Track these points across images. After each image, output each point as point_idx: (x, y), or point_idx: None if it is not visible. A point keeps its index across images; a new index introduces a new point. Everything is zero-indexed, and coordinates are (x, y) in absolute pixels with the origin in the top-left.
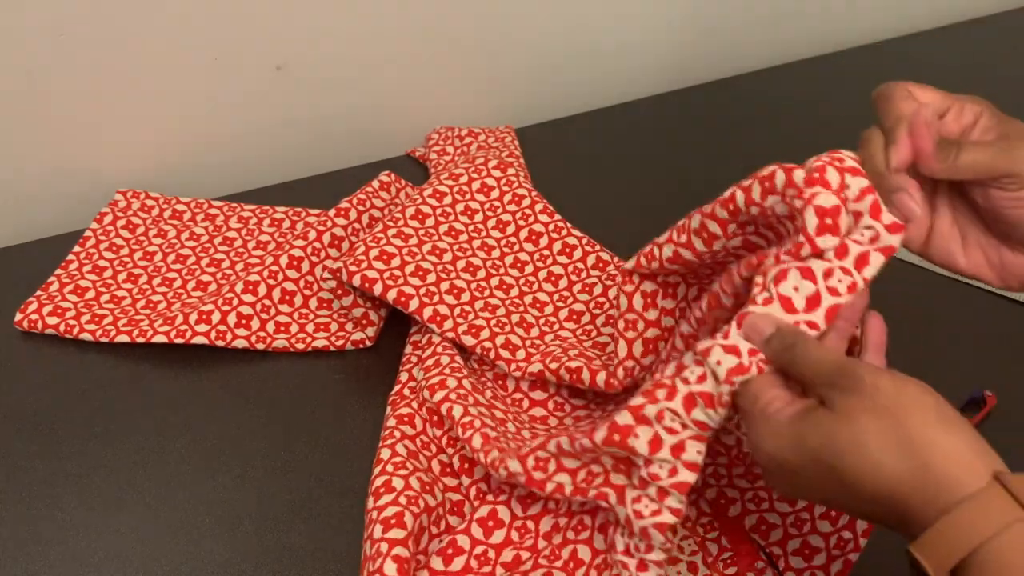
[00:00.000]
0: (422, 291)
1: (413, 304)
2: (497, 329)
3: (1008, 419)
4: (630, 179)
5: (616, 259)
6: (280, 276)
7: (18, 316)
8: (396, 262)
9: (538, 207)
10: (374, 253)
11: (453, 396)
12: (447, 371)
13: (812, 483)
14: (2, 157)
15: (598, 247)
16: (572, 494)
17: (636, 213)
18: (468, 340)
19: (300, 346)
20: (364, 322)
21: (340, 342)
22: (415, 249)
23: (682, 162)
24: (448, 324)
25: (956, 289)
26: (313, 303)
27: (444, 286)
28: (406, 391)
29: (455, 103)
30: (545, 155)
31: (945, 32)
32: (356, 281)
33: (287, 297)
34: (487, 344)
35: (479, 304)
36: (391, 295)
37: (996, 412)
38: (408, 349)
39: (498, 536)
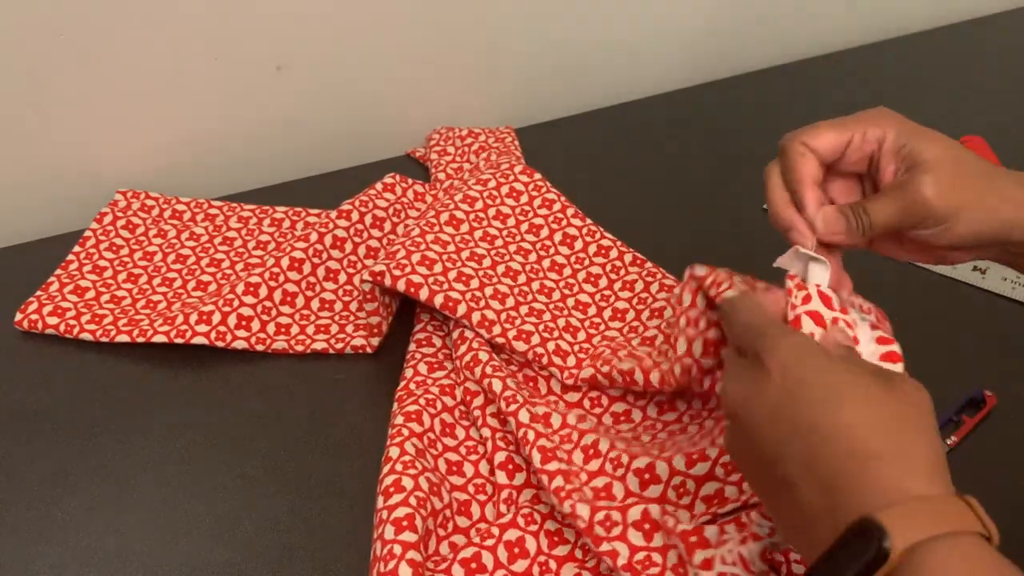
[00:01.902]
0: (467, 296)
1: (461, 309)
2: (546, 335)
3: (1008, 419)
4: (630, 179)
5: (650, 264)
6: (281, 278)
7: (18, 316)
8: (439, 267)
9: (569, 211)
10: (416, 258)
11: (489, 370)
12: (480, 354)
13: (776, 440)
14: (2, 157)
15: (632, 250)
16: (623, 567)
17: (636, 213)
18: (519, 346)
19: (299, 348)
20: (376, 331)
21: (340, 345)
22: (454, 256)
23: (683, 162)
24: (497, 329)
25: (956, 289)
26: (315, 304)
27: (488, 291)
28: (412, 386)
29: (455, 103)
30: (545, 155)
31: (945, 32)
32: (401, 285)
33: (288, 298)
34: (539, 350)
35: (524, 309)
36: (438, 300)
37: (996, 412)
38: (412, 347)
39: (521, 565)
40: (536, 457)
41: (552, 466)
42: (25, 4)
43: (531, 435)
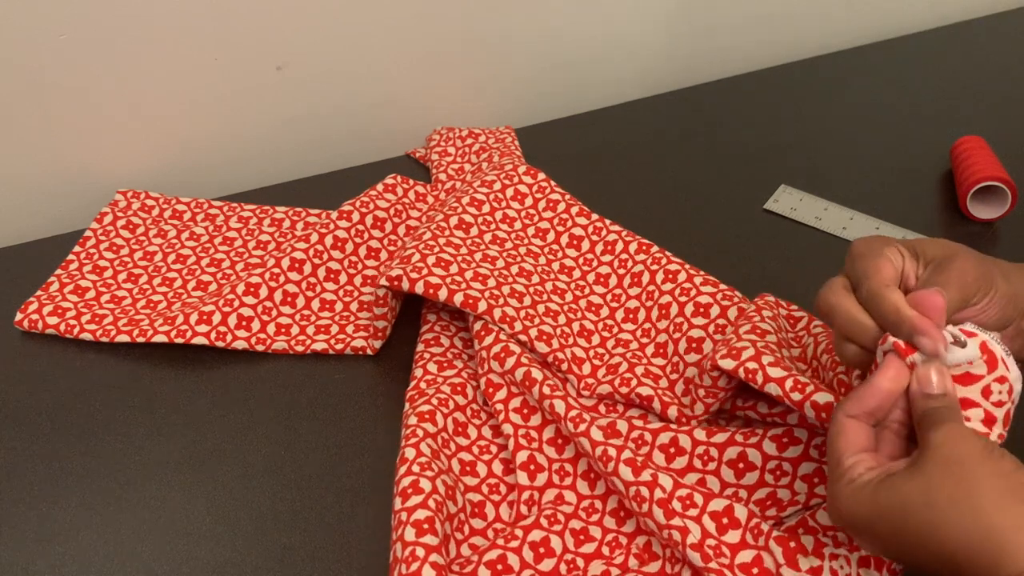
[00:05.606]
0: (486, 294)
1: (482, 306)
2: (563, 341)
3: None
4: (629, 179)
5: (656, 248)
6: (282, 278)
7: (18, 316)
8: (454, 268)
9: (574, 210)
10: (431, 260)
11: (525, 360)
12: (511, 344)
13: (887, 540)
14: (2, 157)
15: (637, 237)
16: (692, 547)
17: (636, 213)
18: (541, 347)
19: (299, 348)
20: (380, 334)
21: (340, 346)
22: (468, 257)
23: (681, 162)
24: (518, 326)
25: None
26: (315, 304)
27: (505, 290)
28: (423, 385)
29: (455, 103)
30: (545, 155)
31: (945, 32)
32: (419, 288)
33: (289, 299)
34: (560, 355)
35: (541, 308)
36: (457, 299)
37: None
38: (420, 347)
39: (547, 564)
40: (626, 472)
41: (645, 475)
42: (25, 4)
43: (612, 452)
